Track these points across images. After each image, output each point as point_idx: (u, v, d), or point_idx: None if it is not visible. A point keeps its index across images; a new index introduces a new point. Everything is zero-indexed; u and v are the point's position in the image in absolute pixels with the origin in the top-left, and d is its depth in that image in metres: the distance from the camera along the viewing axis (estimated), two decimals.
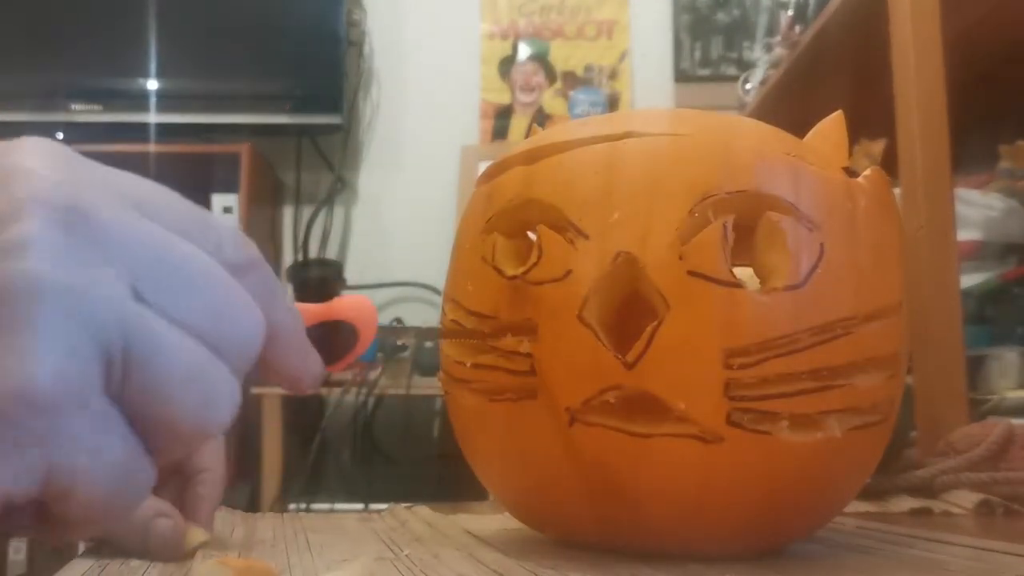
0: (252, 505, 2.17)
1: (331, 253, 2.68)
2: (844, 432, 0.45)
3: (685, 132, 0.47)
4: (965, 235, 1.12)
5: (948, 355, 0.86)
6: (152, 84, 2.39)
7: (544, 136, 0.51)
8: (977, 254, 1.13)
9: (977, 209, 1.15)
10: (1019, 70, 1.01)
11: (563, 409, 0.45)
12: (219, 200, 2.34)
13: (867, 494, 0.70)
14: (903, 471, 0.70)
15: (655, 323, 0.44)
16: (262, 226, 2.55)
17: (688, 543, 0.47)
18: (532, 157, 0.50)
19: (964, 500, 0.65)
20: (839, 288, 0.45)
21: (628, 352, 0.44)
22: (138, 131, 2.35)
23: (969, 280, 1.09)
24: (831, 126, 0.50)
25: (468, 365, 0.50)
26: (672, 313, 0.44)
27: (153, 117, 2.36)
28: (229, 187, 2.33)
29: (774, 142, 0.47)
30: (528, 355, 0.46)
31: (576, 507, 0.47)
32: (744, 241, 0.45)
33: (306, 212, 2.70)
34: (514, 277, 0.48)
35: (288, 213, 2.72)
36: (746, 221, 0.45)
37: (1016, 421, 0.72)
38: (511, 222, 0.50)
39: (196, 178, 2.33)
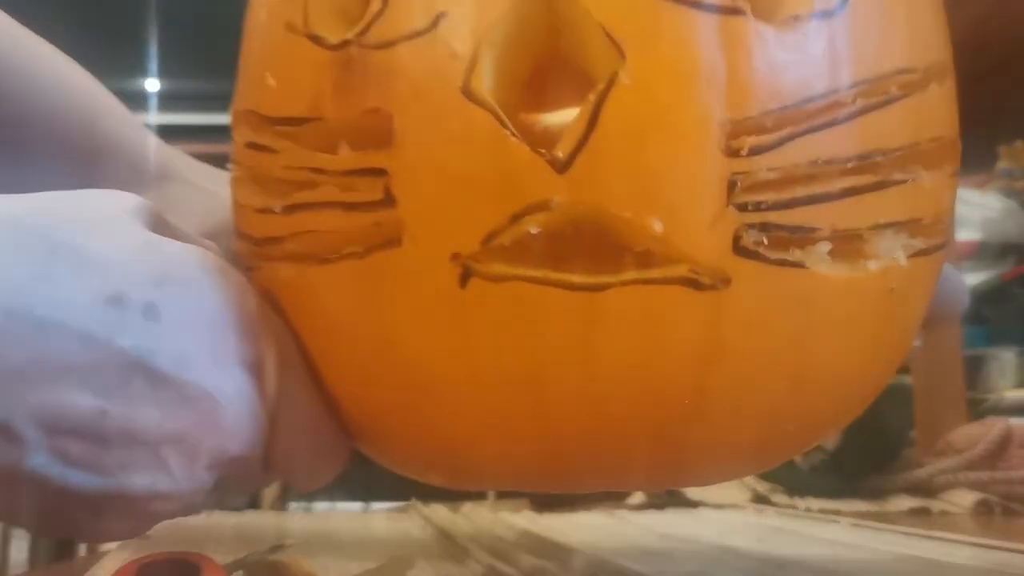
0: (253, 503, 1.97)
1: None
2: (909, 260, 0.28)
3: None
4: (964, 235, 1.14)
5: (947, 355, 0.85)
6: (152, 84, 2.43)
7: None
8: (976, 254, 1.14)
9: (976, 209, 1.15)
10: (1019, 70, 0.94)
11: (449, 257, 0.26)
12: None
13: (866, 493, 0.69)
14: (902, 470, 0.70)
15: (601, 86, 0.25)
16: None
17: (672, 461, 0.29)
18: None
19: (962, 499, 0.64)
20: (890, 21, 0.27)
21: (556, 144, 0.25)
22: None
23: (968, 280, 1.11)
24: None
25: (278, 211, 0.29)
26: (630, 64, 0.25)
27: (153, 117, 2.39)
28: None
29: None
30: (380, 172, 0.27)
31: (484, 426, 0.28)
32: None
33: None
34: (344, 44, 0.27)
35: None
36: None
37: (1015, 420, 0.72)
38: None
39: None
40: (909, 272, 0.28)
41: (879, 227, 0.27)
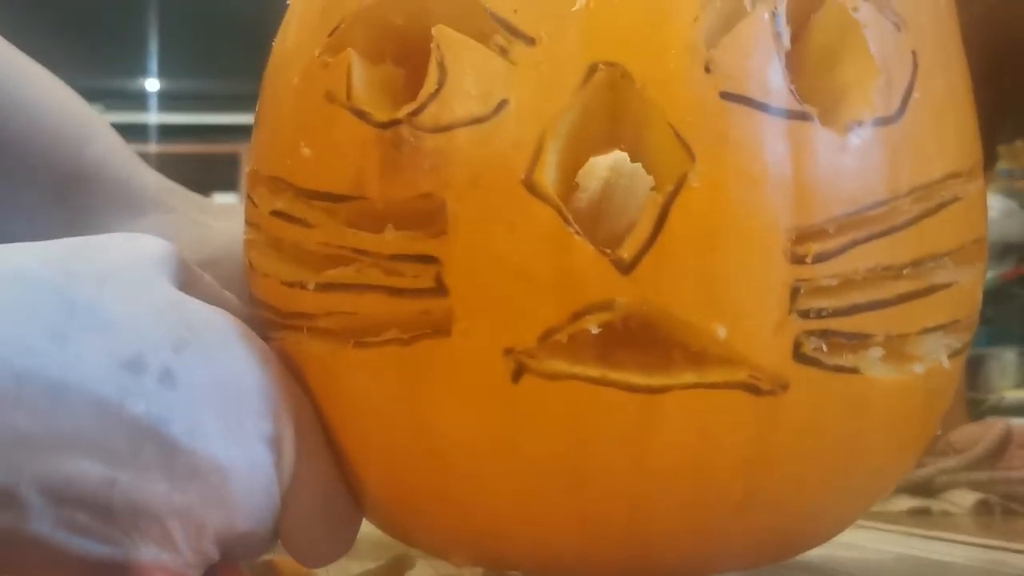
0: None
1: None
2: (949, 360, 0.28)
3: None
4: None
5: None
6: (153, 84, 2.45)
7: None
8: None
9: None
10: (1019, 70, 0.94)
11: (502, 351, 0.25)
12: (219, 199, 2.44)
13: None
14: None
15: (670, 188, 0.24)
16: None
17: (708, 554, 0.28)
18: None
19: (963, 499, 0.64)
20: (941, 126, 0.28)
21: (621, 244, 0.24)
22: (139, 131, 2.39)
23: None
24: None
25: (311, 288, 0.28)
26: (699, 166, 0.24)
27: (154, 117, 2.45)
28: (229, 187, 2.43)
29: None
30: (431, 260, 0.26)
31: (521, 517, 0.28)
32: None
33: None
34: (393, 123, 0.26)
35: None
36: (794, 14, 0.26)
37: (1015, 421, 0.71)
38: (377, 32, 0.28)
39: (196, 178, 2.36)
40: (948, 371, 0.28)
41: (926, 331, 0.27)
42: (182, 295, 0.28)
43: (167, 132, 2.42)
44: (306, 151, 0.28)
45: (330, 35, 0.28)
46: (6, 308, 0.24)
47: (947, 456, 0.67)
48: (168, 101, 2.40)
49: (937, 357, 0.27)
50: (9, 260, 0.26)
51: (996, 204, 1.07)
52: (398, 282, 0.26)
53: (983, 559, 0.43)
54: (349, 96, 0.27)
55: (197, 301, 0.28)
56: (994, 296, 1.03)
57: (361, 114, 0.27)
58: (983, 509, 0.63)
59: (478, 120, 0.25)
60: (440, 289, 0.26)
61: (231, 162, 2.37)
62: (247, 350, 0.28)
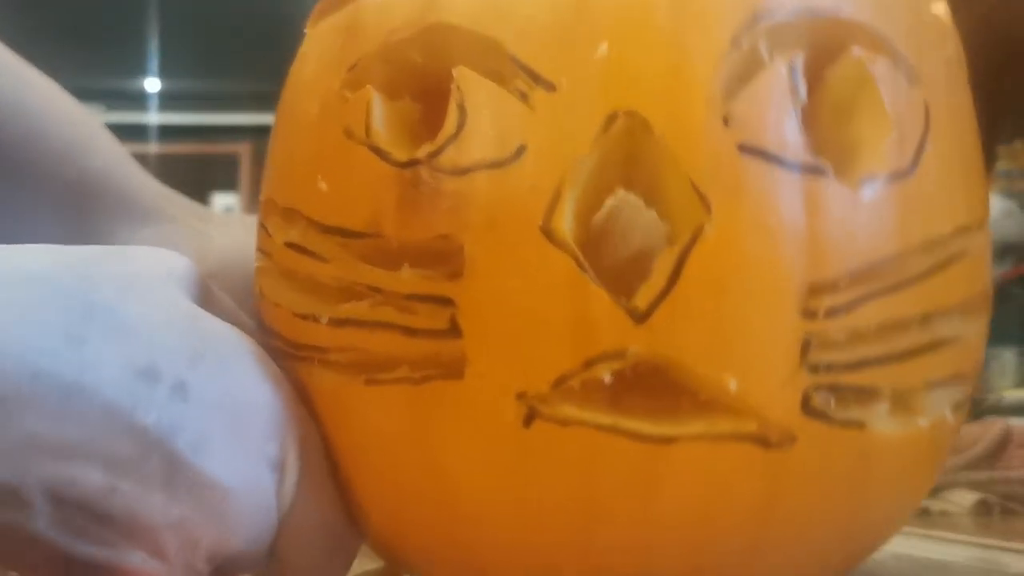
0: None
1: None
2: (953, 413, 0.28)
3: None
4: None
5: None
6: (153, 84, 2.47)
7: None
8: None
9: None
10: (1019, 70, 0.94)
11: (514, 396, 0.25)
12: (219, 199, 2.44)
13: None
14: None
15: (687, 239, 0.25)
16: None
17: None
18: None
19: (962, 499, 0.63)
20: (951, 180, 0.28)
21: (636, 293, 0.25)
22: (139, 131, 2.40)
23: None
24: None
25: (324, 322, 0.28)
26: (716, 218, 0.24)
27: (154, 117, 2.46)
28: (229, 186, 2.47)
29: None
30: (446, 301, 0.26)
31: (525, 559, 0.28)
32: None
33: None
34: (412, 163, 0.26)
35: None
36: (812, 64, 0.27)
37: (1014, 421, 0.70)
38: (397, 68, 0.28)
39: (196, 178, 2.32)
40: (951, 424, 0.28)
41: (931, 385, 0.27)
42: (199, 310, 0.28)
43: (167, 132, 2.42)
44: (322, 185, 0.28)
45: (350, 70, 0.28)
46: (24, 307, 0.24)
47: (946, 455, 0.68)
48: (168, 101, 2.42)
49: (942, 410, 0.28)
50: (29, 260, 0.26)
51: (995, 204, 1.07)
52: (412, 321, 0.26)
53: (982, 559, 0.43)
54: (368, 134, 0.28)
55: (213, 317, 0.28)
56: (993, 296, 1.04)
57: (380, 152, 0.27)
58: (982, 509, 0.63)
59: (496, 164, 0.25)
60: (454, 331, 0.26)
61: (231, 162, 2.38)
62: (259, 370, 0.28)
